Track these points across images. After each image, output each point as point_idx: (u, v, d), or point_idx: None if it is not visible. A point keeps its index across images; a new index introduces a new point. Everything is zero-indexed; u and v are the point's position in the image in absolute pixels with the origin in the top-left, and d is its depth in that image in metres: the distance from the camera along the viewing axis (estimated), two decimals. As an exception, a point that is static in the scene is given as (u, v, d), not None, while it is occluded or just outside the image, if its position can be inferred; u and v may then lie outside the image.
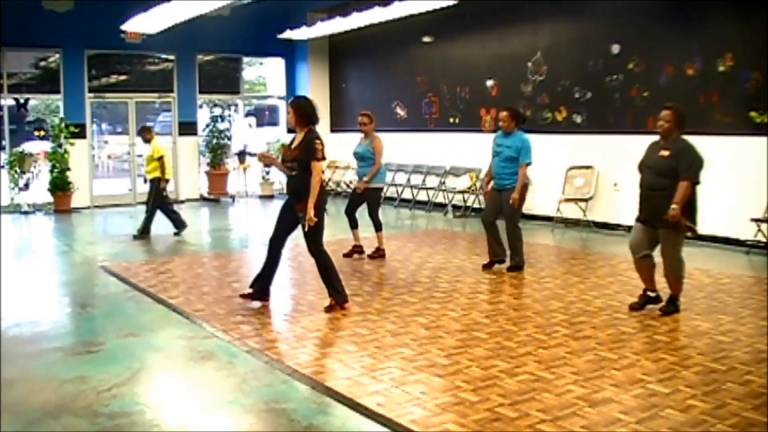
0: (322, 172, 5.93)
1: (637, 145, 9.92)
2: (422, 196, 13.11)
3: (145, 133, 10.30)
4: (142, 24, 12.02)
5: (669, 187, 5.57)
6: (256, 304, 6.17)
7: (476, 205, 12.20)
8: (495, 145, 7.43)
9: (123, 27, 12.60)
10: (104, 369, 4.65)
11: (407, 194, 13.42)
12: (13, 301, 6.55)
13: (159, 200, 10.17)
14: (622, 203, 9.81)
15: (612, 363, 4.65)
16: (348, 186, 15.10)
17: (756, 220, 8.39)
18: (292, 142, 6.08)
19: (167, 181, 10.22)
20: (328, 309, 6.02)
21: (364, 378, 4.41)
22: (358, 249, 8.45)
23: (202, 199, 15.25)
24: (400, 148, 13.99)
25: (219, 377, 4.57)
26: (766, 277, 7.20)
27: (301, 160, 5.84)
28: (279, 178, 16.15)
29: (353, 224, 8.37)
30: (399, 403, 3.99)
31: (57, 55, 13.99)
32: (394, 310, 5.99)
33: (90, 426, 3.79)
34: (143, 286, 7.01)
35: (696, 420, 3.75)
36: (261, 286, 6.19)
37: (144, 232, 10.05)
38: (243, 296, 6.28)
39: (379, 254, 8.35)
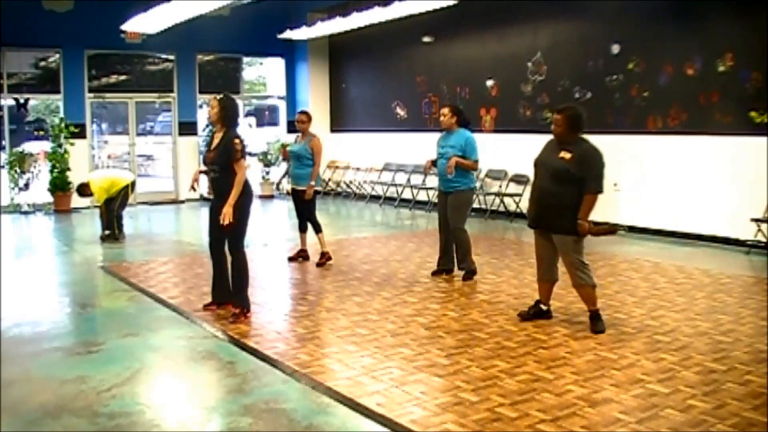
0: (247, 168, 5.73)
1: (638, 145, 10.03)
2: (422, 196, 13.11)
3: (84, 190, 9.92)
4: (142, 24, 12.02)
5: (563, 193, 5.24)
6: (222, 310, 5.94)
7: (476, 205, 12.17)
8: (439, 147, 7.10)
9: (123, 27, 12.60)
10: (104, 369, 4.65)
11: (407, 194, 13.42)
12: (13, 301, 6.55)
13: (124, 204, 9.95)
14: (622, 203, 9.81)
15: (612, 363, 4.65)
16: (348, 186, 15.11)
17: (756, 220, 8.39)
18: (210, 143, 5.89)
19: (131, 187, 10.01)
20: (234, 318, 5.70)
21: (364, 378, 4.41)
22: (303, 254, 8.17)
23: (202, 199, 15.25)
24: (400, 148, 14.01)
25: (219, 377, 4.58)
26: (766, 277, 7.20)
27: (220, 161, 5.69)
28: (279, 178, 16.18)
29: (303, 228, 8.12)
30: (399, 403, 3.99)
31: (57, 55, 14.00)
32: (394, 310, 5.99)
33: (90, 426, 3.79)
34: (143, 286, 7.01)
35: (696, 420, 3.75)
36: (220, 293, 6.02)
37: (116, 232, 9.93)
38: (206, 306, 6.05)
39: (326, 258, 7.96)
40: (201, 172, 6.36)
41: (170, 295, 6.61)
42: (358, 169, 14.97)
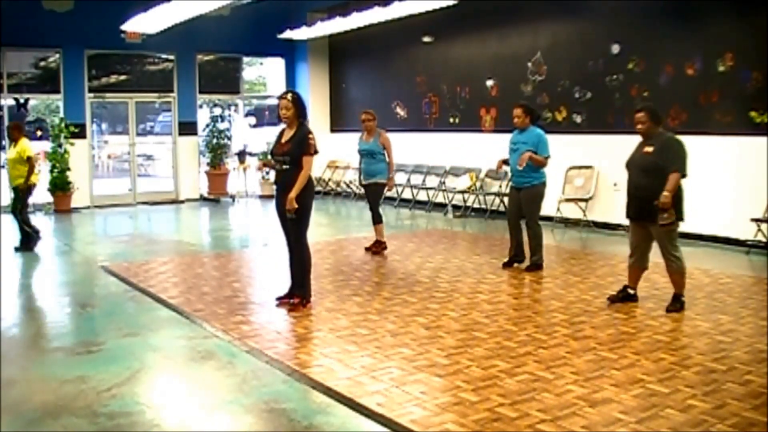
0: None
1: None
2: (422, 196, 13.11)
3: (14, 132, 8.85)
4: (142, 24, 12.02)
5: (653, 185, 5.61)
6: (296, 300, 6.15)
7: (476, 205, 12.20)
8: (511, 143, 7.47)
9: (123, 27, 12.60)
10: (104, 369, 4.65)
11: (407, 194, 13.42)
12: (13, 301, 6.55)
13: (25, 208, 9.13)
14: (622, 203, 9.77)
15: (612, 363, 4.65)
16: (348, 186, 15.10)
17: (756, 220, 8.39)
18: (281, 137, 6.02)
19: (35, 185, 9.12)
20: (292, 308, 6.00)
21: (364, 378, 4.41)
22: (383, 246, 8.75)
23: (202, 199, 15.26)
24: (400, 148, 13.99)
25: (219, 377, 4.57)
26: (766, 277, 7.20)
27: (293, 154, 5.81)
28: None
29: (379, 219, 8.76)
30: (399, 403, 3.99)
31: (57, 55, 13.99)
32: (394, 310, 5.99)
33: (90, 426, 3.79)
34: (143, 286, 7.01)
35: (696, 420, 3.75)
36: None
37: (27, 244, 9.22)
38: (280, 300, 6.24)
39: (382, 247, 8.63)
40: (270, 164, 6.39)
41: (170, 295, 6.61)
42: (358, 169, 14.94)
